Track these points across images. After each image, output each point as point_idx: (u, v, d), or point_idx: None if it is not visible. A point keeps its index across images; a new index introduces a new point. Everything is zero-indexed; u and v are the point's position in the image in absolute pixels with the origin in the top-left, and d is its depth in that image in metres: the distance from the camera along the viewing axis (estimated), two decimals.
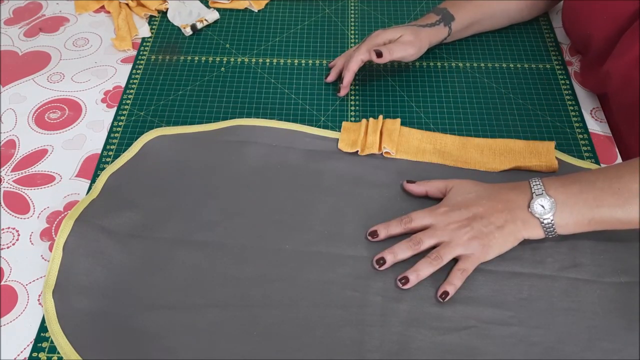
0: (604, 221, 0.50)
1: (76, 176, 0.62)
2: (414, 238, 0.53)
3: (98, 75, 0.73)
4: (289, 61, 0.75)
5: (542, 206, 0.50)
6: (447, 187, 0.56)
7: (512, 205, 0.52)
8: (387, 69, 0.74)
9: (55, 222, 0.58)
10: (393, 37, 0.67)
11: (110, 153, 0.64)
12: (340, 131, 0.66)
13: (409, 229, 0.54)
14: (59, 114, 0.69)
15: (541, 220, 0.51)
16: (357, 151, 0.63)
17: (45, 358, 0.50)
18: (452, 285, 0.51)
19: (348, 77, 0.67)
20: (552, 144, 0.62)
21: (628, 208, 0.49)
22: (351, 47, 0.77)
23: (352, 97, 0.70)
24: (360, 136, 0.63)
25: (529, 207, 0.51)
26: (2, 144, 0.65)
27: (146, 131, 0.65)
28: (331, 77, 0.71)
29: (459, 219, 0.53)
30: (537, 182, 0.52)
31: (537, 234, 0.52)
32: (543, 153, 0.61)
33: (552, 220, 0.50)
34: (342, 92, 0.69)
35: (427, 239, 0.53)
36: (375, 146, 0.62)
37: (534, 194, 0.51)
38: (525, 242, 0.55)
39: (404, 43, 0.66)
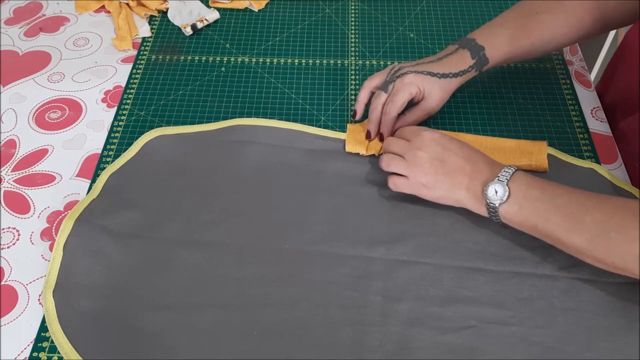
0: (546, 235, 0.50)
1: (76, 176, 0.62)
2: (384, 159, 0.58)
3: (98, 75, 0.73)
4: (289, 61, 0.75)
5: (496, 191, 0.51)
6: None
7: (476, 175, 0.53)
8: None
9: (56, 222, 0.58)
10: (422, 87, 0.61)
11: (110, 153, 0.64)
12: (340, 131, 0.66)
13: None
14: (59, 114, 0.69)
15: (487, 202, 0.52)
16: (360, 152, 0.63)
17: (46, 358, 0.50)
18: (384, 168, 0.58)
19: (388, 133, 0.63)
20: (544, 143, 0.62)
21: (570, 235, 0.49)
22: (351, 47, 0.77)
23: (352, 97, 0.70)
24: (364, 137, 0.63)
25: (484, 185, 0.52)
26: (2, 143, 0.66)
27: (146, 131, 0.65)
28: (359, 115, 0.65)
29: (429, 168, 0.54)
30: (508, 170, 0.52)
31: (481, 212, 0.54)
32: (534, 153, 0.61)
33: (496, 207, 0.52)
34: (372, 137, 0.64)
35: (395, 168, 0.57)
36: (377, 147, 0.62)
37: (497, 178, 0.52)
38: (526, 242, 0.55)
39: (428, 112, 0.63)
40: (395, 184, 0.57)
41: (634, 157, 0.63)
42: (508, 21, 0.64)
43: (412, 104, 0.63)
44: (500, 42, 0.63)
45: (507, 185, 0.51)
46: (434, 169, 0.54)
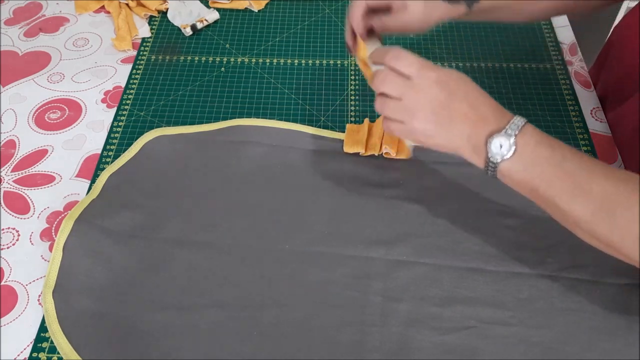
0: (546, 200, 0.46)
1: (76, 176, 0.62)
2: (378, 100, 0.51)
3: (98, 75, 0.73)
4: (289, 61, 0.75)
5: (500, 146, 0.45)
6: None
7: (480, 124, 0.47)
8: None
9: (55, 222, 0.58)
10: None
11: (110, 153, 0.64)
12: (339, 131, 0.66)
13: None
14: (59, 114, 0.69)
15: (488, 156, 0.46)
16: (359, 152, 0.63)
17: (45, 358, 0.50)
18: (378, 111, 0.51)
19: (357, 30, 0.57)
20: None
21: (573, 204, 0.44)
22: None
23: (352, 97, 0.70)
24: (364, 137, 0.63)
25: (489, 137, 0.46)
26: (2, 144, 0.65)
27: (146, 131, 0.65)
28: (349, 39, 0.59)
29: (430, 115, 0.48)
30: (518, 122, 0.46)
31: (478, 164, 0.48)
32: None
33: (497, 163, 0.46)
34: (353, 49, 0.59)
35: (390, 114, 0.50)
36: (377, 147, 0.62)
37: (504, 130, 0.45)
38: (526, 242, 0.55)
39: (406, 26, 0.57)
40: (389, 127, 0.51)
41: (627, 145, 0.63)
42: None
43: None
44: None
45: (514, 140, 0.45)
46: (435, 117, 0.48)
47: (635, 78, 0.62)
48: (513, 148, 0.45)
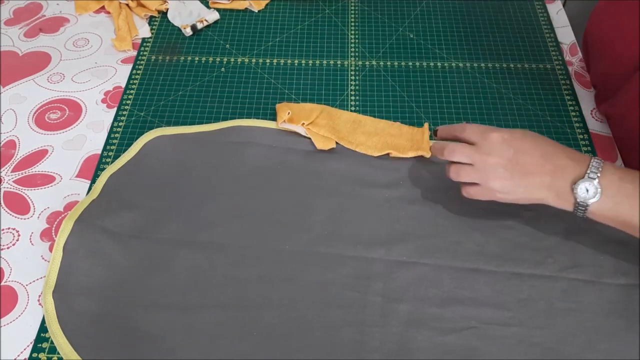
0: (637, 229, 0.48)
1: (76, 176, 0.62)
2: (452, 169, 0.53)
3: (98, 75, 0.73)
4: (289, 61, 0.75)
5: (587, 190, 0.48)
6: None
7: (560, 173, 0.49)
8: (387, 69, 0.74)
9: (56, 223, 0.58)
10: None
11: (110, 153, 0.64)
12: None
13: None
14: (59, 114, 0.69)
15: (577, 201, 0.48)
16: (356, 151, 0.63)
17: (45, 358, 0.50)
18: (453, 179, 0.53)
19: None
20: (425, 126, 0.64)
21: None
22: (351, 47, 0.77)
23: (352, 97, 0.70)
24: (311, 119, 0.65)
25: (573, 183, 0.48)
26: (2, 144, 0.66)
27: (146, 131, 0.65)
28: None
29: (503, 173, 0.51)
30: (598, 163, 0.48)
31: (566, 207, 0.50)
32: (417, 140, 0.63)
33: (588, 205, 0.48)
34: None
35: (466, 178, 0.53)
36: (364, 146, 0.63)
37: (587, 175, 0.48)
38: (526, 243, 0.55)
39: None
40: (469, 192, 0.54)
41: (624, 139, 0.63)
42: None
43: None
44: None
45: (598, 182, 0.47)
46: (509, 173, 0.50)
47: (620, 70, 0.62)
48: (599, 190, 0.48)
